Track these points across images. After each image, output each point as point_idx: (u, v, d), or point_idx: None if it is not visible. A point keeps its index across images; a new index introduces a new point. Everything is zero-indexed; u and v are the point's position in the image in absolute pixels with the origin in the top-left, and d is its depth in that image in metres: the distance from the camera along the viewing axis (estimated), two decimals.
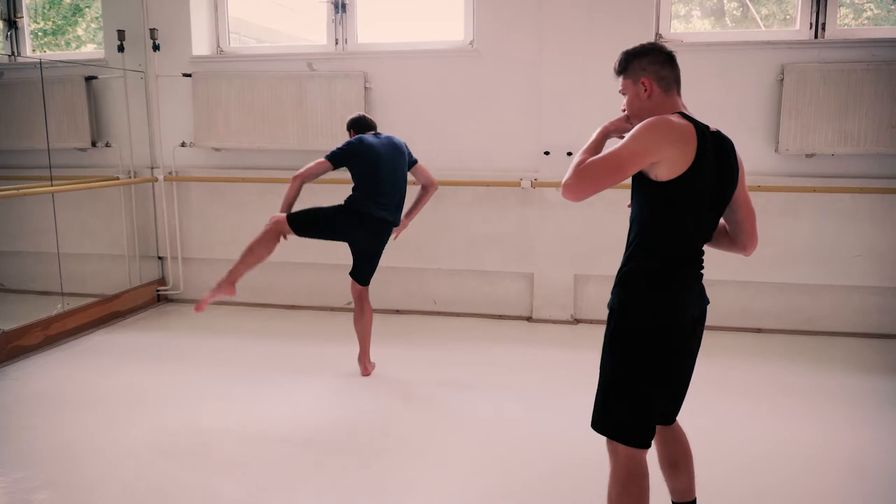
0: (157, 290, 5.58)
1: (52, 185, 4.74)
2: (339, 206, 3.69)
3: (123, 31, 5.21)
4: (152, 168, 5.47)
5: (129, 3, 5.28)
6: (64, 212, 5.03)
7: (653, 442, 2.14)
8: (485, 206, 5.00)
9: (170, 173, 5.42)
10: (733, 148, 1.97)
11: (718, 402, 3.45)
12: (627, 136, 1.84)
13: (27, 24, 5.82)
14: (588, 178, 1.82)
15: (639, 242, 1.92)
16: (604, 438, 1.98)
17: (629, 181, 1.98)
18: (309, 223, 3.67)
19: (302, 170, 3.65)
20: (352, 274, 3.87)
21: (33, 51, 5.90)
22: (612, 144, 1.91)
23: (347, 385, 3.85)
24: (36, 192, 4.79)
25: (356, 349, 3.97)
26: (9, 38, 5.74)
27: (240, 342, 4.62)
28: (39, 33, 6.15)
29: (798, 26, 4.58)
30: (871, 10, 4.91)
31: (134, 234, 5.49)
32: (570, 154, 4.76)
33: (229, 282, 3.68)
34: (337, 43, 5.19)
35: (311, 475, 2.84)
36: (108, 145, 5.42)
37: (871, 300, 4.62)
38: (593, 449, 2.93)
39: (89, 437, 3.17)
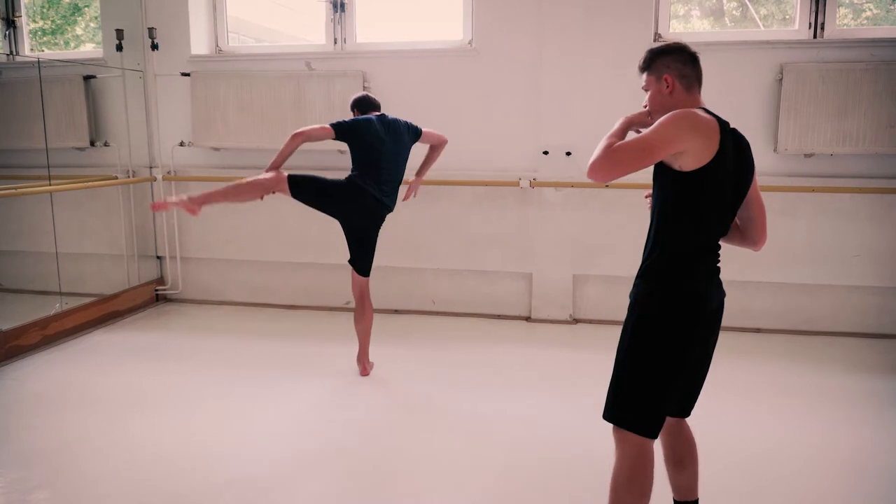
0: (156, 290, 5.58)
1: (50, 185, 4.74)
2: (341, 179, 3.67)
3: (122, 30, 5.21)
4: (151, 167, 5.47)
5: (128, 3, 5.27)
6: (62, 211, 5.03)
7: (659, 437, 2.16)
8: (484, 206, 5.00)
9: (168, 173, 5.42)
10: (749, 146, 2.03)
11: (718, 402, 3.42)
12: (655, 124, 1.87)
13: (26, 23, 5.82)
14: (617, 160, 1.84)
15: (660, 234, 1.96)
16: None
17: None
18: (309, 187, 3.62)
19: (305, 128, 3.57)
20: (350, 262, 3.84)
21: (32, 50, 5.89)
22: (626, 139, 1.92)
23: (346, 385, 3.84)
24: (34, 191, 4.78)
25: (355, 349, 3.97)
26: (7, 38, 5.73)
27: (239, 342, 4.61)
28: (38, 32, 6.14)
29: (797, 26, 4.58)
30: (871, 9, 4.92)
31: (132, 234, 5.49)
32: (568, 154, 4.77)
33: (199, 202, 3.49)
34: (336, 42, 5.19)
35: (310, 475, 2.84)
36: (106, 145, 5.42)
37: (870, 300, 4.62)
38: (593, 448, 2.94)
39: (88, 437, 3.17)
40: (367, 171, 3.66)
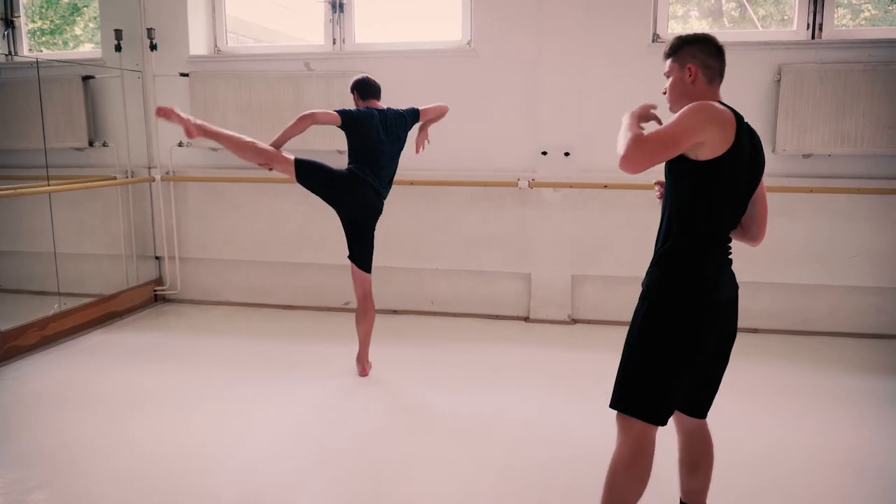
0: (155, 290, 5.58)
1: (48, 185, 4.74)
2: (343, 170, 3.69)
3: (121, 30, 5.21)
4: (149, 168, 5.47)
5: (127, 3, 5.27)
6: (61, 212, 5.02)
7: (677, 438, 2.17)
8: (482, 207, 5.00)
9: (167, 173, 5.42)
10: (760, 141, 2.05)
11: (716, 402, 3.43)
12: (676, 116, 1.88)
13: (24, 23, 5.82)
14: (648, 150, 1.84)
15: (673, 223, 1.98)
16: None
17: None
18: (315, 172, 3.64)
19: (315, 111, 3.59)
20: (350, 257, 3.84)
21: (30, 50, 5.89)
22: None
23: (345, 385, 3.84)
24: (33, 191, 4.78)
25: (354, 349, 3.97)
26: (6, 38, 5.73)
27: (237, 342, 4.61)
28: (37, 32, 6.14)
29: (795, 27, 4.59)
30: (869, 10, 4.92)
31: (131, 234, 5.49)
32: (567, 154, 4.77)
33: (200, 129, 3.47)
34: (335, 43, 5.19)
35: (308, 475, 2.84)
36: (105, 145, 5.41)
37: (868, 300, 4.63)
38: (592, 448, 2.94)
39: (87, 438, 3.17)
40: (364, 163, 3.70)
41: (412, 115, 3.91)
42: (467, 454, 3.02)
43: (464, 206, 5.03)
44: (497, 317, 5.11)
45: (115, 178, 5.33)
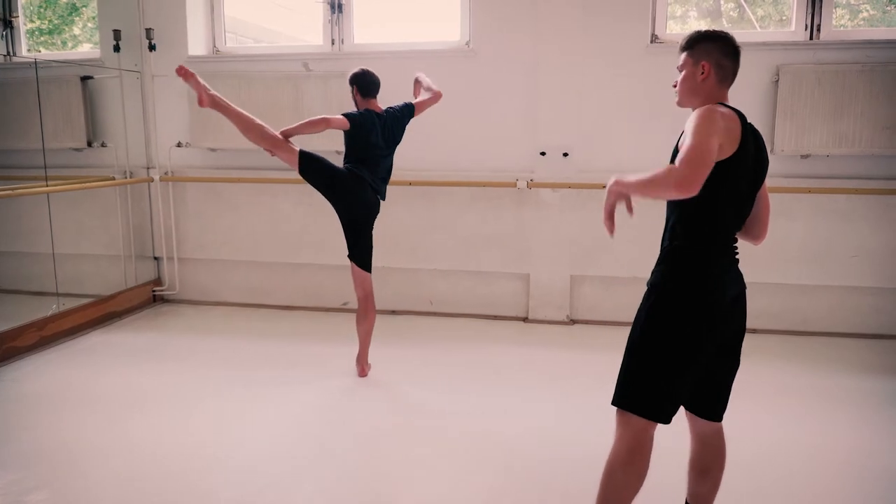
0: (153, 291, 5.57)
1: (47, 186, 4.73)
2: (344, 168, 3.72)
3: (119, 30, 5.21)
4: (148, 168, 5.46)
5: (125, 3, 5.27)
6: (59, 212, 5.02)
7: (690, 441, 2.17)
8: (481, 207, 5.00)
9: (166, 173, 5.42)
10: (764, 141, 2.05)
11: None
12: (694, 127, 1.83)
13: (23, 23, 5.81)
14: (699, 165, 1.76)
15: (680, 224, 1.98)
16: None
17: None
18: (317, 165, 3.65)
19: (330, 117, 3.59)
20: (350, 256, 3.84)
21: (28, 50, 5.89)
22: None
23: (344, 386, 3.84)
24: (31, 192, 4.78)
25: (353, 350, 3.97)
26: (4, 38, 5.72)
27: (236, 343, 4.61)
28: (36, 32, 6.13)
29: (793, 27, 4.60)
30: (867, 10, 4.93)
31: (130, 235, 5.48)
32: (565, 155, 4.77)
33: (211, 100, 3.52)
34: (333, 43, 5.19)
35: (307, 475, 2.84)
36: (103, 145, 5.41)
37: (866, 301, 4.64)
38: (591, 448, 2.94)
39: (85, 438, 3.16)
40: (361, 162, 3.72)
41: (409, 113, 3.94)
42: (466, 454, 3.02)
43: (462, 207, 5.03)
44: (495, 317, 5.11)
45: (113, 179, 5.33)
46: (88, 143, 5.38)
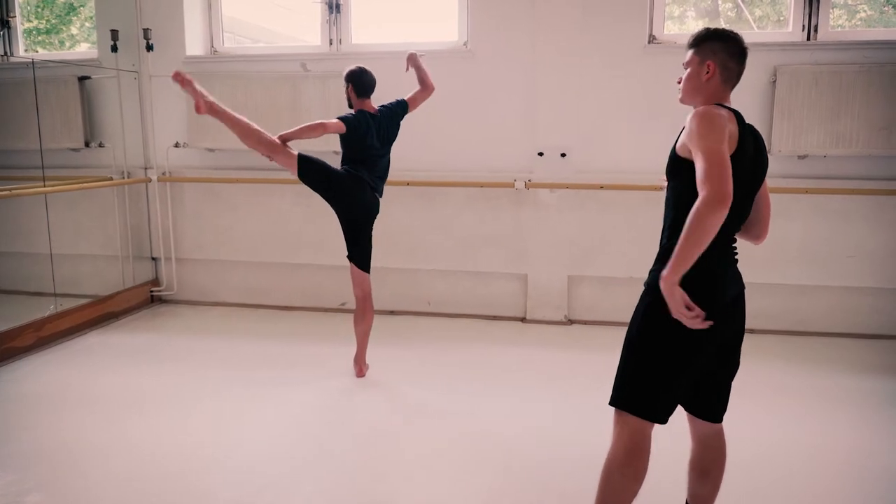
0: (151, 291, 5.57)
1: (45, 186, 4.73)
2: (342, 170, 3.73)
3: (117, 30, 5.20)
4: (146, 168, 5.46)
5: (123, 3, 5.26)
6: (57, 212, 5.01)
7: (691, 443, 2.17)
8: (479, 207, 5.00)
9: (163, 174, 5.41)
10: (763, 142, 2.04)
11: None
12: (696, 133, 1.83)
13: (20, 23, 5.80)
14: (720, 176, 1.76)
15: (678, 222, 1.94)
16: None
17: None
18: (316, 169, 3.66)
19: (326, 122, 3.60)
20: (349, 257, 3.84)
21: (26, 50, 5.88)
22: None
23: (342, 386, 3.84)
24: (29, 192, 4.77)
25: (351, 350, 3.97)
26: (1, 38, 5.71)
27: (234, 343, 4.61)
28: (33, 32, 6.12)
29: (790, 28, 4.60)
30: (865, 10, 4.93)
31: (127, 235, 5.48)
32: (563, 155, 4.78)
33: (208, 106, 3.50)
34: (331, 43, 5.19)
35: (305, 476, 2.84)
36: (101, 146, 5.40)
37: (864, 301, 4.64)
38: (589, 448, 2.94)
39: (83, 439, 3.16)
40: (358, 163, 3.73)
41: (402, 110, 3.95)
42: (464, 455, 3.02)
43: (460, 207, 5.03)
44: (494, 317, 5.12)
45: (111, 179, 5.32)
46: (86, 143, 5.38)
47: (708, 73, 1.98)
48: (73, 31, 6.24)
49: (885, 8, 4.94)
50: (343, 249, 3.84)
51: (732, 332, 2.06)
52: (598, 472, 2.01)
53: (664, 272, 1.82)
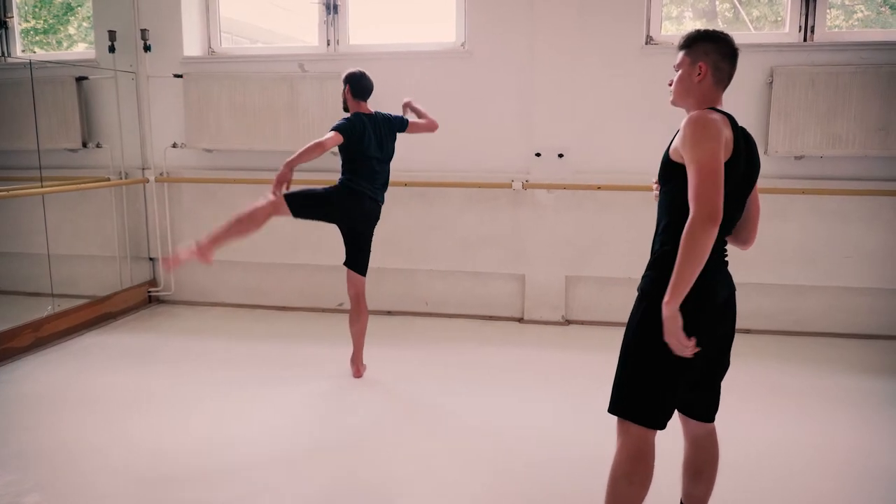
0: (149, 292, 5.57)
1: (42, 187, 4.72)
2: (333, 186, 3.71)
3: (114, 31, 5.19)
4: (143, 169, 5.46)
5: (120, 3, 5.26)
6: (54, 213, 5.01)
7: (683, 443, 2.17)
8: (477, 208, 5.01)
9: (161, 174, 5.41)
10: (756, 145, 2.04)
11: None
12: (692, 143, 1.83)
13: (17, 23, 5.79)
14: (710, 195, 1.79)
15: (670, 228, 1.95)
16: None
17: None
18: (307, 203, 3.65)
19: (324, 140, 3.52)
20: (347, 263, 3.84)
21: (23, 51, 5.87)
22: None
23: (339, 387, 3.85)
24: (26, 193, 4.77)
25: (348, 351, 3.97)
26: None
27: (232, 344, 4.61)
28: (31, 32, 6.12)
29: (787, 29, 4.61)
30: (862, 11, 4.95)
31: (125, 236, 5.48)
32: (561, 156, 4.78)
33: (208, 248, 3.51)
34: (329, 44, 5.19)
35: (303, 476, 2.84)
36: (98, 146, 5.40)
37: (861, 301, 4.66)
38: (587, 449, 2.95)
39: (81, 440, 3.16)
40: (359, 173, 3.71)
41: (400, 126, 3.93)
42: (462, 455, 3.03)
43: (458, 208, 5.04)
44: (491, 318, 5.12)
45: (108, 180, 5.32)
46: (83, 143, 5.37)
47: (700, 74, 1.97)
48: (71, 31, 6.23)
49: (882, 8, 4.95)
50: (341, 249, 3.84)
51: (724, 333, 2.07)
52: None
53: (665, 298, 1.82)
